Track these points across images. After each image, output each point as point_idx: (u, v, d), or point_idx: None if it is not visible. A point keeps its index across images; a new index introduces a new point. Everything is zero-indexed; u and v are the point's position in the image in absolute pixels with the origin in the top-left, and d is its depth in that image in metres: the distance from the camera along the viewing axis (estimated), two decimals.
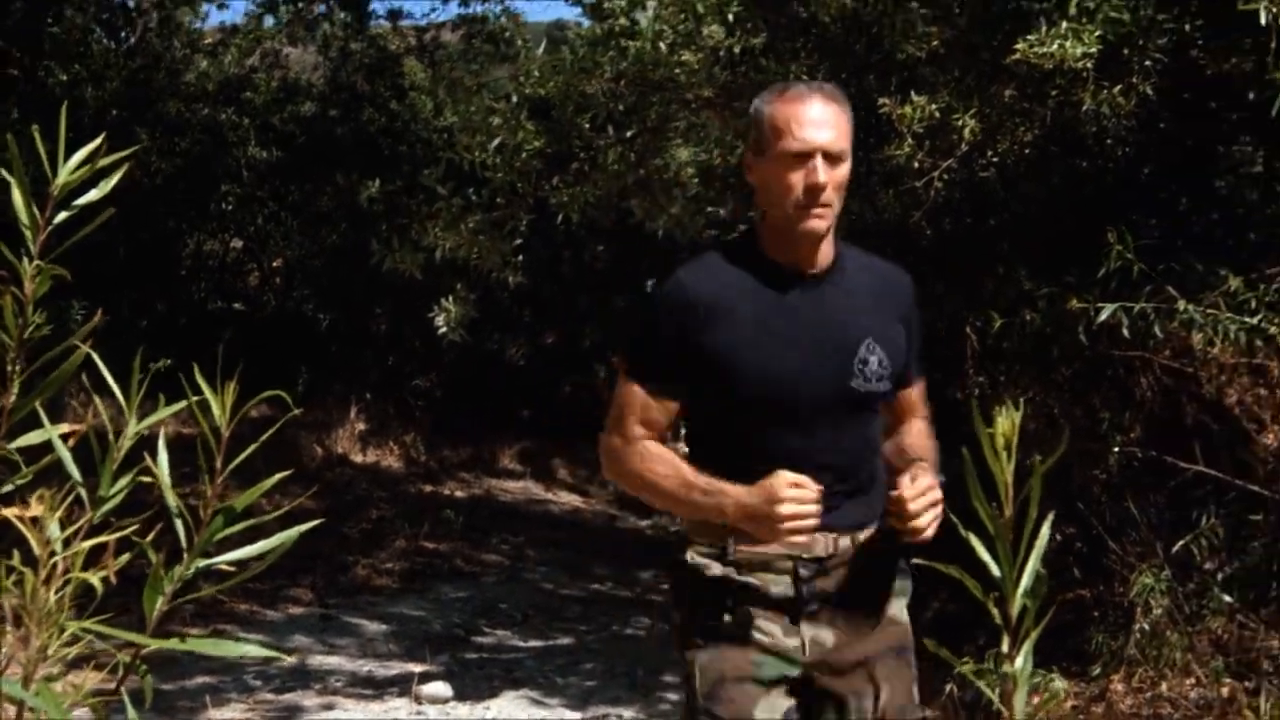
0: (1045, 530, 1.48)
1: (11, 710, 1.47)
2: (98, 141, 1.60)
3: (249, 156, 12.87)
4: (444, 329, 6.18)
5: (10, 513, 1.45)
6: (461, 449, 12.89)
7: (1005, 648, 1.48)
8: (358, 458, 11.69)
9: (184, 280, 13.30)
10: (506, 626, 7.51)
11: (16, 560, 1.43)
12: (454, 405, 13.31)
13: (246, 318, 13.42)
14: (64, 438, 1.59)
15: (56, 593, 1.40)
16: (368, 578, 8.31)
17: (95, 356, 1.60)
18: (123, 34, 14.78)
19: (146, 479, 1.59)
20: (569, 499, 12.58)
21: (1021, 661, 1.47)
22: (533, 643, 7.19)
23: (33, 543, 1.40)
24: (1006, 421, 1.49)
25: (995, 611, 1.47)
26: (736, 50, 5.37)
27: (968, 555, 1.52)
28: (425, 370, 13.84)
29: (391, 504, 10.36)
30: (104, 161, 1.61)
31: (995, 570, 1.48)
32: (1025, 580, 1.46)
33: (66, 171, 1.57)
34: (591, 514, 12.13)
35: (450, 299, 6.13)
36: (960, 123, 4.89)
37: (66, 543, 1.44)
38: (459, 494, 11.51)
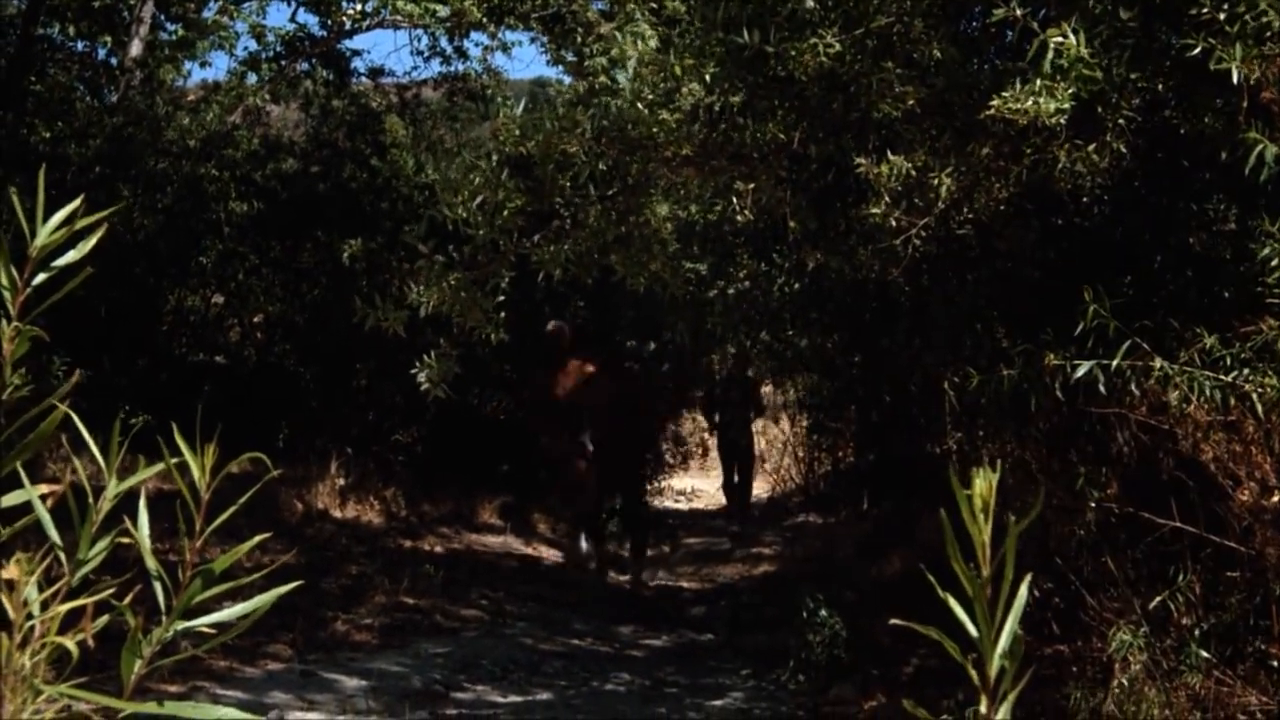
0: (1023, 591, 1.49)
1: None
2: (76, 203, 1.61)
3: (230, 212, 12.89)
4: (426, 385, 6.15)
5: None
6: (441, 504, 12.84)
7: (984, 708, 1.49)
8: (337, 513, 11.64)
9: (165, 335, 13.28)
10: (486, 682, 7.46)
11: None
12: (434, 460, 13.27)
13: (227, 372, 13.38)
14: (43, 498, 1.59)
15: (32, 656, 1.40)
16: (347, 633, 8.26)
17: (74, 416, 1.60)
18: (106, 91, 14.90)
19: (126, 539, 1.59)
20: (548, 553, 12.53)
21: None
22: (512, 698, 7.15)
23: (7, 606, 1.40)
24: (984, 483, 1.50)
25: (973, 673, 1.48)
26: (715, 109, 5.41)
27: (946, 615, 1.53)
28: (406, 425, 13.80)
29: (371, 559, 10.31)
30: (83, 222, 1.61)
31: (973, 631, 1.48)
32: (1003, 641, 1.47)
33: (45, 233, 1.57)
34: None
35: (432, 355, 6.11)
36: (937, 181, 4.93)
37: (44, 605, 1.44)
38: (439, 549, 11.46)
